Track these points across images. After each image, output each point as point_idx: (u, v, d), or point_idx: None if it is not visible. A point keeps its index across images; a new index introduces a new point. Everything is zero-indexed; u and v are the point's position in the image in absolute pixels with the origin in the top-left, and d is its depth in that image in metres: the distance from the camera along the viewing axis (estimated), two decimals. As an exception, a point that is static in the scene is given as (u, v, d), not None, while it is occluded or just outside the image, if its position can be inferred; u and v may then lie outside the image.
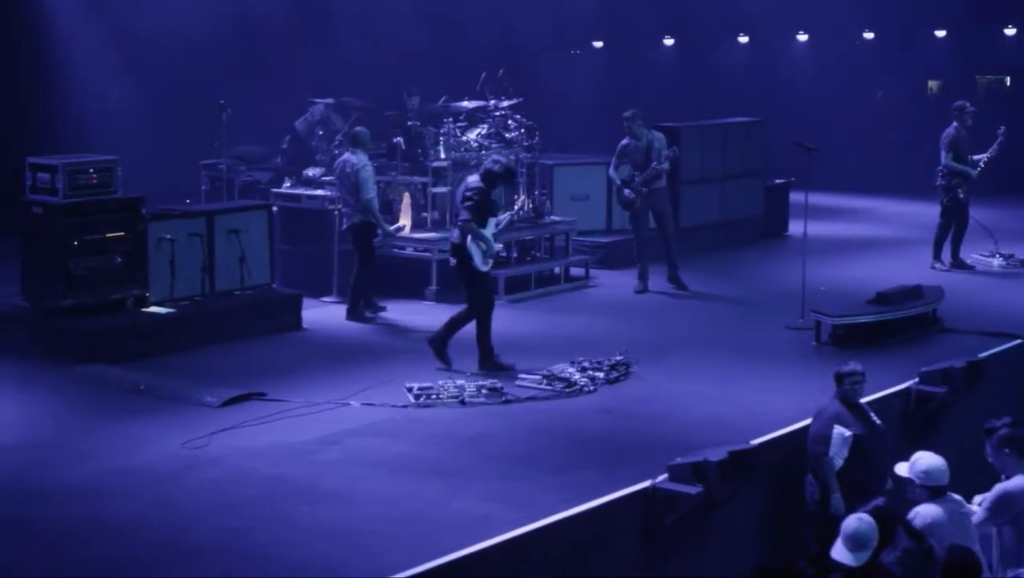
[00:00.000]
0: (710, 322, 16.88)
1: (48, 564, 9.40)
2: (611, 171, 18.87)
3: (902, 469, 10.28)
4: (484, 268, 14.21)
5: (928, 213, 21.66)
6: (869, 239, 23.37)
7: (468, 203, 14.08)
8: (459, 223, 14.09)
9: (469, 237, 14.00)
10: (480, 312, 14.26)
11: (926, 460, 9.98)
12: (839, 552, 8.84)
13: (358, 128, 17.35)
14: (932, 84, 31.52)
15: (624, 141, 18.59)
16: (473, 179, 14.41)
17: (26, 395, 13.31)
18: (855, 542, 8.80)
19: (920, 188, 23.97)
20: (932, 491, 9.72)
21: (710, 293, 18.54)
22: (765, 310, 17.12)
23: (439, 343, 14.30)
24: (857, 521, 8.96)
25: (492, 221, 14.24)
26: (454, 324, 14.33)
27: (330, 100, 19.93)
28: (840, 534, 8.94)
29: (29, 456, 11.50)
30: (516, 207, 15.15)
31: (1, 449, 11.67)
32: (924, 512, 9.78)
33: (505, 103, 19.54)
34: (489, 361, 14.16)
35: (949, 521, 9.48)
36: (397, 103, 19.83)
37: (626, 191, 18.49)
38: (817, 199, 25.59)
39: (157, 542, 9.73)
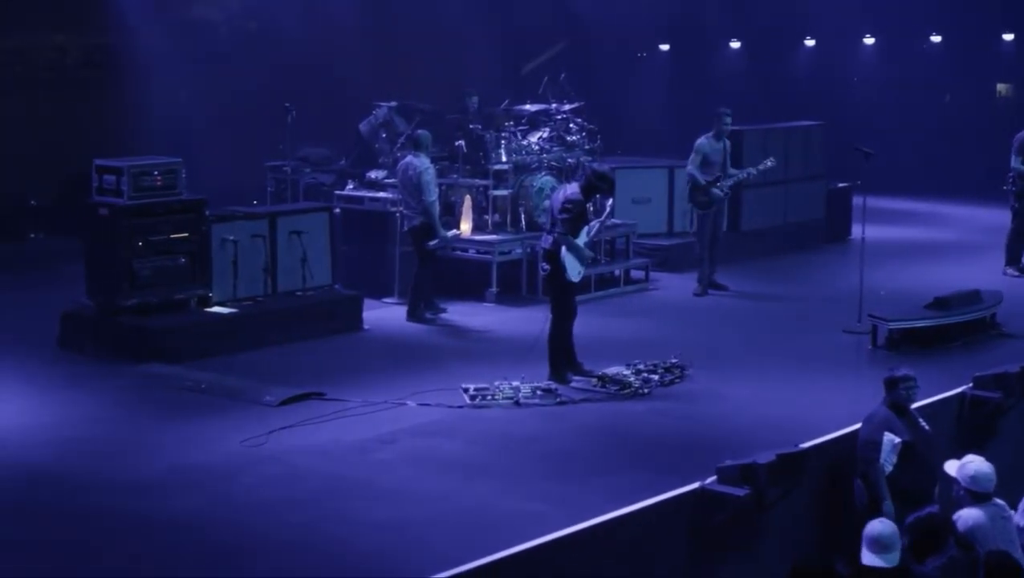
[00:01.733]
0: (767, 326, 16.94)
1: (114, 556, 9.64)
2: (692, 168, 18.74)
3: (951, 468, 10.33)
4: (576, 280, 14.27)
5: (995, 217, 21.64)
6: (935, 243, 23.34)
7: (565, 214, 13.97)
8: (555, 234, 14.00)
9: (564, 248, 14.04)
10: (565, 320, 14.27)
11: (975, 465, 10.02)
12: (868, 557, 8.93)
13: (420, 131, 17.56)
14: (1001, 87, 31.39)
15: (703, 140, 18.67)
16: (572, 189, 14.31)
17: (91, 393, 13.56)
18: (879, 545, 8.89)
19: (988, 192, 23.91)
20: (976, 496, 9.77)
21: (768, 296, 18.64)
22: (823, 314, 17.16)
23: (572, 368, 14.19)
24: (879, 525, 9.05)
25: (584, 229, 14.25)
26: (556, 345, 14.22)
27: (393, 103, 20.11)
28: (863, 540, 9.02)
29: (94, 452, 11.77)
30: (605, 214, 15.21)
31: (68, 445, 11.95)
32: (967, 516, 9.83)
33: (567, 106, 19.67)
34: (570, 368, 14.15)
35: (991, 525, 9.52)
36: (460, 106, 20.02)
37: (715, 189, 18.60)
38: (883, 203, 25.68)
39: (217, 537, 9.96)
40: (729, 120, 18.87)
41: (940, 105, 30.76)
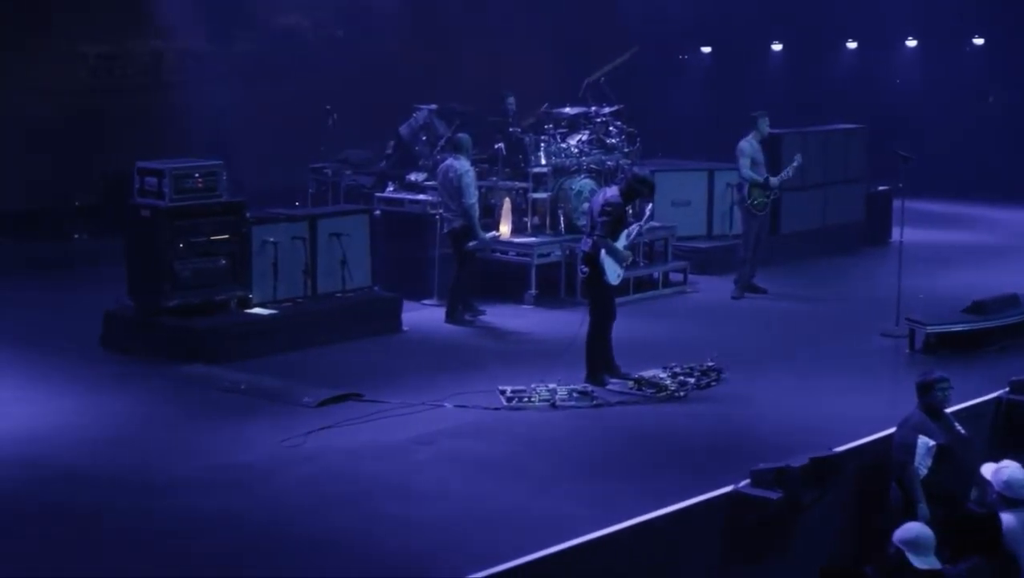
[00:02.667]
0: (805, 329, 16.97)
1: (150, 555, 9.75)
2: (747, 172, 18.71)
3: (987, 471, 10.37)
4: (615, 282, 14.34)
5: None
6: (977, 247, 23.32)
7: (604, 217, 14.01)
8: (595, 237, 14.05)
9: (603, 251, 14.10)
10: (603, 322, 14.32)
11: (1009, 471, 10.06)
12: (916, 561, 8.98)
13: (460, 134, 17.67)
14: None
15: (745, 143, 18.73)
16: (612, 192, 14.36)
17: (131, 393, 13.70)
18: (916, 546, 8.95)
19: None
20: (1010, 501, 9.80)
21: (806, 299, 18.69)
22: (860, 317, 17.18)
23: (609, 371, 14.24)
24: (917, 527, 9.12)
25: (624, 233, 14.30)
26: (594, 348, 14.30)
27: (433, 106, 20.21)
28: (898, 541, 9.07)
29: (133, 452, 11.89)
30: (644, 218, 15.28)
31: (107, 445, 12.08)
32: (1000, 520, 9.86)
33: (606, 109, 19.75)
34: (607, 371, 14.20)
35: (1021, 530, 9.57)
36: (500, 108, 20.11)
37: (774, 181, 18.68)
38: (927, 206, 25.75)
39: (252, 536, 10.06)
40: (767, 122, 18.89)
41: (984, 107, 30.64)
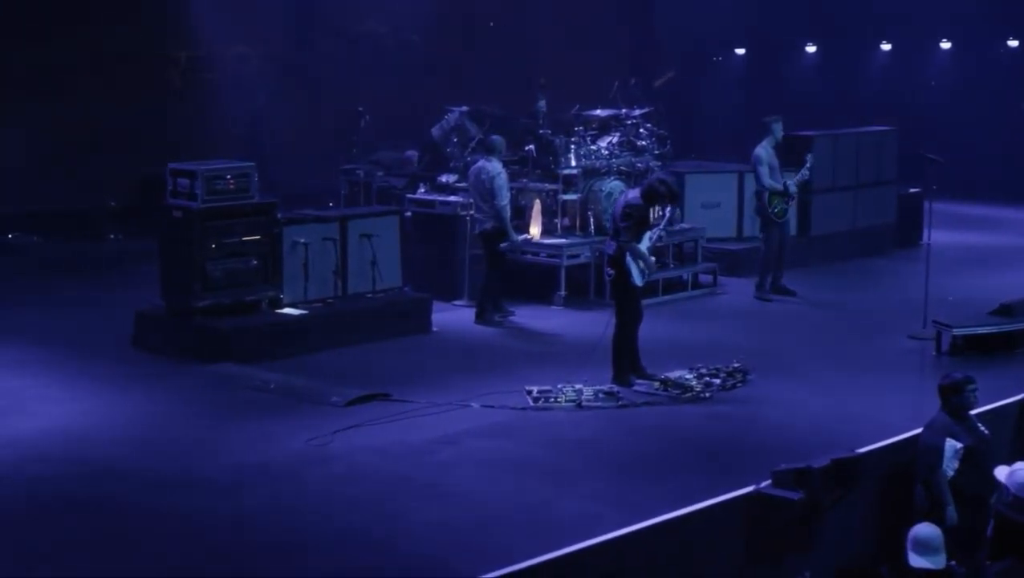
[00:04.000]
0: (832, 331, 17.02)
1: (179, 549, 9.94)
2: (768, 180, 18.71)
3: (1001, 474, 10.41)
4: (640, 284, 14.43)
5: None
6: (1010, 249, 23.27)
7: (626, 221, 14.12)
8: (620, 240, 14.17)
9: (628, 254, 14.19)
10: (629, 323, 14.43)
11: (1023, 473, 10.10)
12: (915, 560, 9.06)
13: (493, 136, 17.78)
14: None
15: (762, 150, 18.76)
16: (633, 195, 14.46)
17: (164, 392, 13.88)
18: (925, 547, 9.03)
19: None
20: (1025, 504, 9.86)
21: (835, 301, 18.73)
22: (889, 319, 17.21)
23: (635, 371, 14.34)
24: (926, 528, 9.20)
25: (647, 235, 14.40)
26: (620, 348, 14.40)
27: (464, 108, 20.33)
28: (908, 542, 9.16)
29: (162, 450, 12.07)
30: (666, 220, 15.37)
31: (137, 443, 12.27)
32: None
33: (637, 112, 19.84)
34: (633, 372, 14.29)
35: (1040, 532, 9.63)
36: (531, 110, 20.20)
37: (791, 199, 18.80)
38: (958, 209, 25.67)
39: (276, 533, 10.22)
40: (781, 127, 18.92)
41: (1019, 110, 30.53)
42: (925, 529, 9.20)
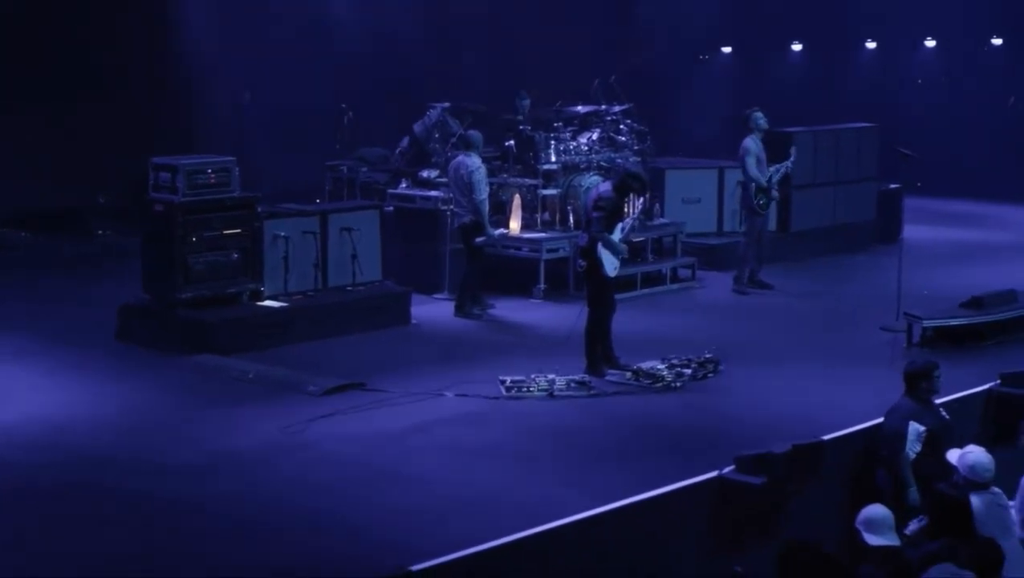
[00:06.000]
0: (806, 323, 17.24)
1: (154, 532, 10.20)
2: (754, 172, 18.94)
3: (953, 456, 10.66)
4: (612, 274, 14.64)
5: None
6: (990, 245, 23.45)
7: (598, 212, 14.35)
8: (591, 231, 14.39)
9: (600, 244, 14.42)
10: (603, 315, 14.64)
11: (974, 455, 10.33)
12: (870, 538, 9.29)
13: (471, 131, 18.04)
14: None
15: (750, 141, 18.99)
16: (605, 187, 14.71)
17: (145, 382, 14.10)
18: (875, 525, 9.26)
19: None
20: (974, 485, 10.07)
21: (812, 295, 18.94)
22: (863, 313, 17.39)
23: (608, 362, 14.54)
24: (875, 508, 9.43)
25: (619, 227, 14.60)
26: (593, 339, 14.58)
27: (446, 104, 20.54)
28: (860, 523, 9.39)
29: (143, 437, 12.31)
30: (635, 212, 15.59)
31: (119, 430, 12.53)
32: (965, 503, 10.13)
33: (616, 108, 20.07)
34: (606, 362, 14.50)
35: (987, 512, 9.82)
36: (512, 107, 20.46)
37: (775, 192, 18.98)
38: (942, 204, 26.04)
39: (246, 518, 10.46)
40: (762, 116, 19.14)
41: (1005, 108, 30.71)
42: (873, 509, 9.43)
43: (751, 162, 18.89)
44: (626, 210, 15.10)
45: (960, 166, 28.07)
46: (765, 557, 11.27)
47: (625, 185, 14.60)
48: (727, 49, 32.49)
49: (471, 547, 9.43)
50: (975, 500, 9.74)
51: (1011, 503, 10.31)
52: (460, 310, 17.22)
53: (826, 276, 20.28)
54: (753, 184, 18.85)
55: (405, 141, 21.10)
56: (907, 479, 11.65)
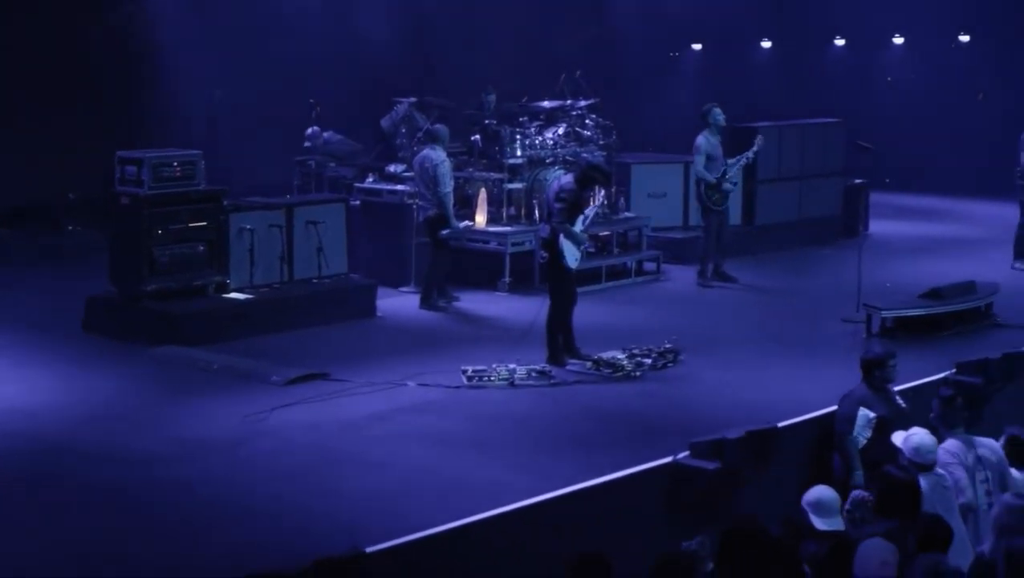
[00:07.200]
0: (768, 315, 17.42)
1: (119, 519, 10.33)
2: (701, 169, 19.14)
3: (898, 438, 10.84)
4: (573, 265, 14.80)
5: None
6: (955, 239, 23.60)
7: (559, 204, 14.53)
8: (553, 222, 14.57)
9: (561, 235, 14.56)
10: (564, 306, 14.80)
11: (918, 437, 10.51)
12: (817, 522, 9.46)
13: (437, 125, 18.19)
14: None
15: (702, 138, 19.18)
16: (567, 179, 14.89)
17: (110, 373, 14.20)
18: (821, 509, 9.44)
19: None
20: (919, 466, 10.25)
21: (775, 288, 19.14)
22: (825, 305, 17.53)
23: (569, 352, 14.69)
24: (821, 490, 9.60)
25: (580, 218, 14.77)
26: (554, 330, 14.75)
27: (412, 99, 20.68)
28: (806, 505, 9.56)
29: (108, 426, 12.43)
30: (596, 202, 15.74)
31: (84, 420, 12.63)
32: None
33: (582, 103, 20.24)
34: (568, 353, 14.65)
35: (932, 494, 9.99)
36: (477, 102, 20.62)
37: (726, 185, 19.16)
38: (913, 200, 26.29)
39: (208, 504, 10.59)
40: (720, 112, 19.31)
41: (973, 104, 30.91)
42: (818, 491, 9.60)
43: (699, 160, 19.11)
44: (592, 202, 15.22)
45: (928, 162, 28.33)
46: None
47: (587, 177, 14.77)
48: (697, 46, 32.65)
49: (425, 530, 9.58)
50: (922, 482, 9.91)
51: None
52: (425, 302, 17.36)
53: (790, 270, 20.46)
54: (703, 183, 19.04)
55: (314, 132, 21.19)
56: (853, 462, 11.85)
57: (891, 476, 9.62)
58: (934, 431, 11.07)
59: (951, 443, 10.90)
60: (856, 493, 10.35)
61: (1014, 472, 10.74)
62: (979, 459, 10.82)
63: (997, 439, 11.35)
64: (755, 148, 19.57)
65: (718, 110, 19.28)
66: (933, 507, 9.77)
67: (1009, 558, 7.99)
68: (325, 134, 20.93)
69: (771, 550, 8.31)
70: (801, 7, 30.66)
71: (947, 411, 11.26)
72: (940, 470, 10.37)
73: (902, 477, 9.69)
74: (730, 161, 19.23)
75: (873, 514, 9.74)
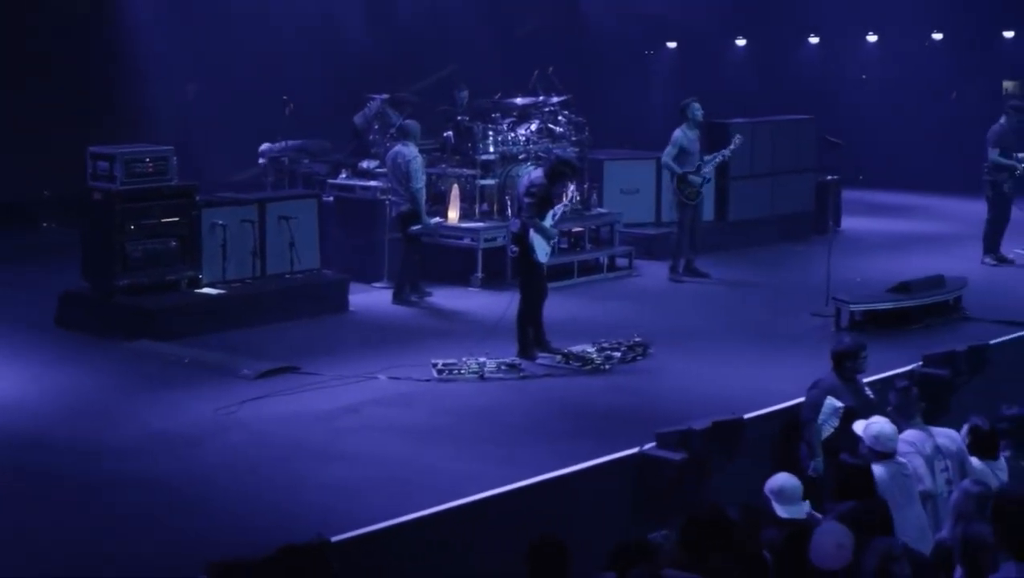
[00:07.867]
0: (738, 310, 17.53)
1: (90, 510, 10.44)
2: (668, 160, 19.27)
3: (858, 427, 10.94)
4: (544, 260, 14.91)
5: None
6: (926, 235, 23.69)
7: (529, 198, 14.64)
8: (523, 217, 14.68)
9: (531, 230, 14.65)
10: (534, 300, 14.88)
11: (878, 426, 10.61)
12: (779, 509, 9.55)
13: (408, 121, 18.27)
14: (1008, 84, 31.66)
15: (679, 132, 19.28)
16: (537, 174, 15.00)
17: (82, 368, 14.27)
18: (783, 497, 9.54)
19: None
20: (879, 454, 10.36)
21: (746, 283, 19.24)
22: (795, 299, 17.62)
23: (539, 346, 14.77)
24: (783, 478, 9.69)
25: (550, 213, 14.87)
26: (524, 324, 14.84)
27: (385, 95, 20.74)
28: (768, 492, 9.65)
29: (80, 420, 12.52)
30: (567, 198, 15.84)
31: (56, 414, 12.72)
32: (869, 472, 10.41)
33: (555, 99, 20.33)
34: (537, 346, 14.74)
35: (891, 482, 10.10)
36: (450, 99, 20.70)
37: (694, 177, 19.22)
38: (885, 197, 26.41)
39: (178, 496, 10.68)
40: (699, 107, 19.42)
41: (945, 102, 31.06)
42: (781, 479, 9.69)
43: (669, 151, 19.20)
44: (564, 197, 15.33)
45: (901, 159, 28.42)
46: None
47: (557, 172, 14.87)
48: (672, 44, 32.76)
49: (391, 518, 9.67)
50: (880, 469, 10.02)
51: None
52: (398, 297, 17.43)
53: (762, 265, 20.55)
54: (674, 176, 19.14)
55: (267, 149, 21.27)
56: (815, 448, 11.95)
57: (844, 463, 9.78)
58: (894, 422, 11.18)
59: (909, 433, 11.01)
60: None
61: (974, 460, 10.83)
62: (938, 448, 10.92)
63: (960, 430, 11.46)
64: (732, 146, 19.68)
65: (696, 105, 19.38)
66: (893, 495, 9.89)
67: (965, 543, 8.13)
68: (279, 145, 20.88)
69: (732, 537, 8.41)
70: (776, 5, 30.76)
71: (904, 402, 11.39)
72: (900, 459, 10.47)
73: (854, 463, 9.85)
74: (706, 157, 19.34)
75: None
